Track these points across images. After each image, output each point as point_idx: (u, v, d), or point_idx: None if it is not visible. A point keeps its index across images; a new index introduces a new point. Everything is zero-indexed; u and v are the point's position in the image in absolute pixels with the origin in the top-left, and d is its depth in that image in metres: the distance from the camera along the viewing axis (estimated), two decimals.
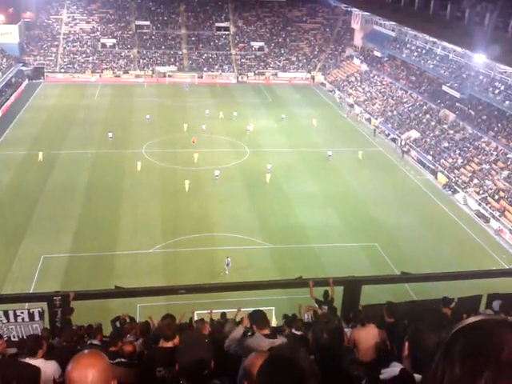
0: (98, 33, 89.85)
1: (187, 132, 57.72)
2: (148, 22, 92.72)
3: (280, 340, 6.12)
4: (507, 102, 52.62)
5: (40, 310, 11.35)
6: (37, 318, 11.31)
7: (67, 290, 11.19)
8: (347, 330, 9.37)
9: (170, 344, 6.72)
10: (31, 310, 11.34)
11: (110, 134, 55.85)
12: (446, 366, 1.29)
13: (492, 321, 1.32)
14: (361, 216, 40.88)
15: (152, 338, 8.75)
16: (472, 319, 1.36)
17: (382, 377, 5.65)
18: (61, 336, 10.07)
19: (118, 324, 13.89)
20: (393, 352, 6.95)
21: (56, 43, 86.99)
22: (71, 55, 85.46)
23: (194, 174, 47.29)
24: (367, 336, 8.06)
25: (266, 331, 6.31)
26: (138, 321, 15.13)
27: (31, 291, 27.26)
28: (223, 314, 16.23)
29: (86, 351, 2.81)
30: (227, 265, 32.66)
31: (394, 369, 5.14)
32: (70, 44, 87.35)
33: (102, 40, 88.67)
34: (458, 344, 1.30)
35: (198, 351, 3.60)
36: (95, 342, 10.13)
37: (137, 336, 10.07)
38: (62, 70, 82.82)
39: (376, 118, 66.16)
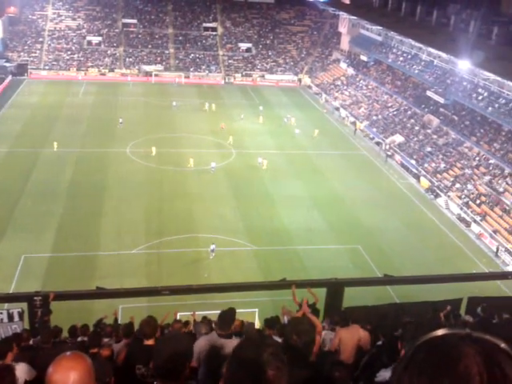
0: (84, 30, 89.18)
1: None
2: (135, 21, 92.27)
3: (235, 341, 6.12)
4: (490, 109, 53.21)
5: (20, 310, 11.18)
6: (16, 318, 11.14)
7: (48, 291, 11.06)
8: (326, 332, 9.40)
9: (150, 342, 6.72)
10: (10, 311, 11.16)
11: (121, 120, 59.10)
12: (406, 376, 1.33)
13: (455, 335, 1.37)
14: (345, 218, 41.07)
15: (136, 339, 8.71)
16: (436, 332, 1.40)
17: (376, 380, 5.70)
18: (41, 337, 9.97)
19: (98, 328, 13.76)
20: (378, 354, 6.98)
21: (41, 40, 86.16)
22: (56, 52, 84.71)
23: (182, 174, 47.26)
24: (351, 336, 8.10)
25: (223, 332, 6.31)
26: (119, 322, 15.03)
27: (11, 291, 26.93)
28: (204, 318, 16.17)
29: (68, 353, 2.76)
30: (212, 250, 33.84)
31: (387, 373, 5.16)
32: (54, 41, 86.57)
33: (88, 37, 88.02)
34: (420, 356, 1.35)
35: (172, 350, 3.55)
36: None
37: (119, 337, 9.99)
38: (47, 67, 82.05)
39: (361, 122, 66.53)
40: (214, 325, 12.10)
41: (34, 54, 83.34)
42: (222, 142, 56.55)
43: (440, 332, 1.39)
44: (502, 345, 1.32)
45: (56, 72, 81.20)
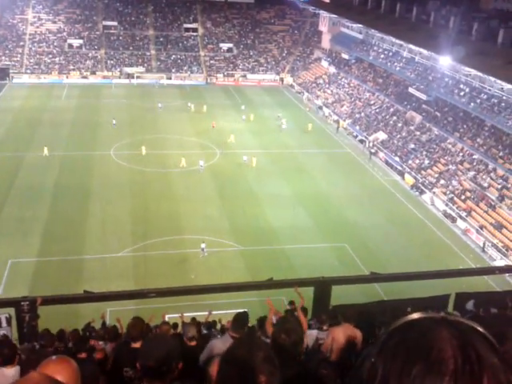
0: (65, 33, 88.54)
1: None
2: (115, 23, 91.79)
3: None
4: (472, 104, 53.69)
5: (7, 315, 11.11)
6: (4, 324, 11.07)
7: (35, 295, 10.99)
8: (314, 332, 9.42)
9: (137, 345, 6.69)
10: None
11: (114, 121, 59.30)
12: (380, 361, 1.31)
13: (429, 318, 1.35)
14: (330, 217, 41.20)
15: (123, 342, 8.68)
16: (410, 316, 1.38)
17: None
18: (30, 341, 9.91)
19: (87, 333, 13.66)
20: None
21: (22, 43, 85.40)
22: (37, 56, 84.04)
23: (168, 176, 47.18)
24: (343, 335, 8.12)
25: (237, 334, 6.29)
26: (108, 325, 14.95)
27: None
28: (193, 320, 16.15)
29: (53, 357, 2.76)
30: (203, 249, 34.30)
31: None
32: (35, 44, 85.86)
33: (69, 40, 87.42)
34: (393, 340, 1.32)
35: (158, 350, 3.56)
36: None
37: (105, 341, 9.95)
38: (28, 71, 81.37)
39: (344, 120, 66.80)
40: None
41: (15, 58, 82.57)
42: (207, 142, 56.45)
43: (415, 316, 1.37)
44: (478, 327, 1.31)
45: (37, 76, 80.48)
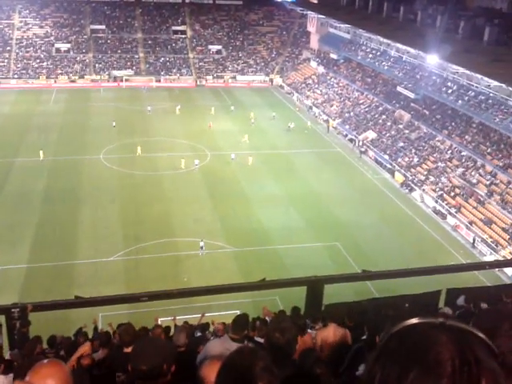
0: (52, 37, 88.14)
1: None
2: (103, 26, 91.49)
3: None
4: (460, 102, 53.99)
5: None
6: None
7: (25, 302, 10.91)
8: (309, 331, 9.45)
9: (129, 350, 6.67)
10: None
11: (114, 124, 60.19)
12: (378, 366, 1.32)
13: (427, 324, 1.35)
14: (322, 216, 41.27)
15: (115, 347, 8.65)
16: (408, 321, 1.38)
17: (357, 373, 5.74)
18: (20, 349, 9.84)
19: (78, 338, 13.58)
20: (360, 350, 7.05)
21: (8, 48, 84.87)
22: (24, 61, 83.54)
23: (156, 179, 47.06)
24: (329, 335, 8.17)
25: (237, 336, 6.30)
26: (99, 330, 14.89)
27: None
28: (185, 323, 16.11)
29: (45, 361, 2.75)
30: (201, 248, 34.75)
31: None
32: (22, 49, 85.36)
33: (57, 45, 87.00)
34: (391, 345, 1.33)
35: (149, 353, 3.54)
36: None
37: (96, 348, 9.85)
38: (16, 76, 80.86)
39: (334, 120, 66.94)
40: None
41: (1, 64, 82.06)
42: (198, 144, 56.33)
43: (413, 321, 1.37)
44: (477, 332, 1.31)
45: (25, 81, 79.99)
